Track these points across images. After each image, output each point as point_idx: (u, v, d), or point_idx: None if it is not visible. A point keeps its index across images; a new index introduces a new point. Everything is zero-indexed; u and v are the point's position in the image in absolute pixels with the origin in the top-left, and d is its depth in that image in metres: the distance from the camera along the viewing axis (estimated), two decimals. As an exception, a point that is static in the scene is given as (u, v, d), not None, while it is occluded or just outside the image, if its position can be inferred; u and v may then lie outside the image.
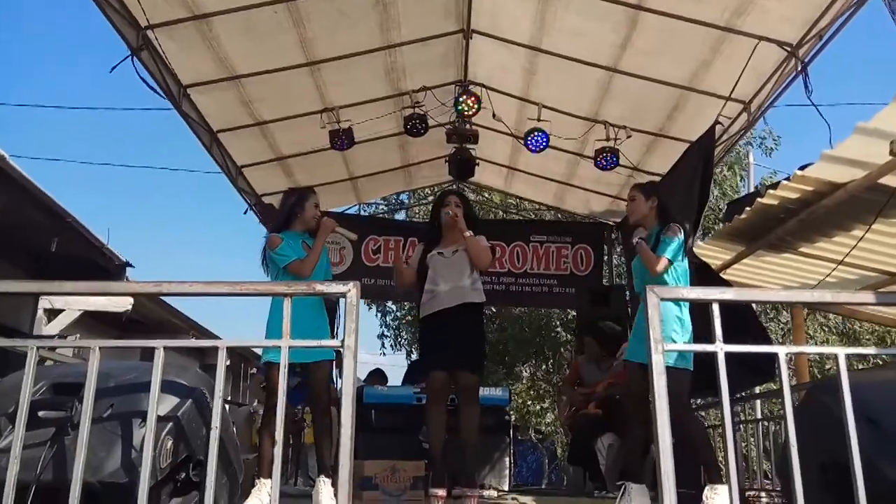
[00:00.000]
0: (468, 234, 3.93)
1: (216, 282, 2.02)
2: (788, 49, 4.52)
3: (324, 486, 3.51)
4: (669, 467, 1.80)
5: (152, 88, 4.70)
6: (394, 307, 14.44)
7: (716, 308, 1.97)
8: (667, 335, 3.20)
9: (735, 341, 1.95)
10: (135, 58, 4.55)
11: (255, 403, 6.00)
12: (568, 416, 5.97)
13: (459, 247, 3.96)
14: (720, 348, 1.93)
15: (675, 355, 3.26)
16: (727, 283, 5.40)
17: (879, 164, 3.70)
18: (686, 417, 3.44)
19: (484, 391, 5.03)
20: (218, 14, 4.59)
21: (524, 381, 14.75)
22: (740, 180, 12.81)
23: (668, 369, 1.95)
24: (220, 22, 4.66)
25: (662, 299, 1.99)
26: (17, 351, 2.20)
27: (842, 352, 1.97)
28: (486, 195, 9.72)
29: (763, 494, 5.29)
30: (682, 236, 3.56)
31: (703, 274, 4.98)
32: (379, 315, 14.52)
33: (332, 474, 3.45)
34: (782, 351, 2.00)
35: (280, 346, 1.95)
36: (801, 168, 4.24)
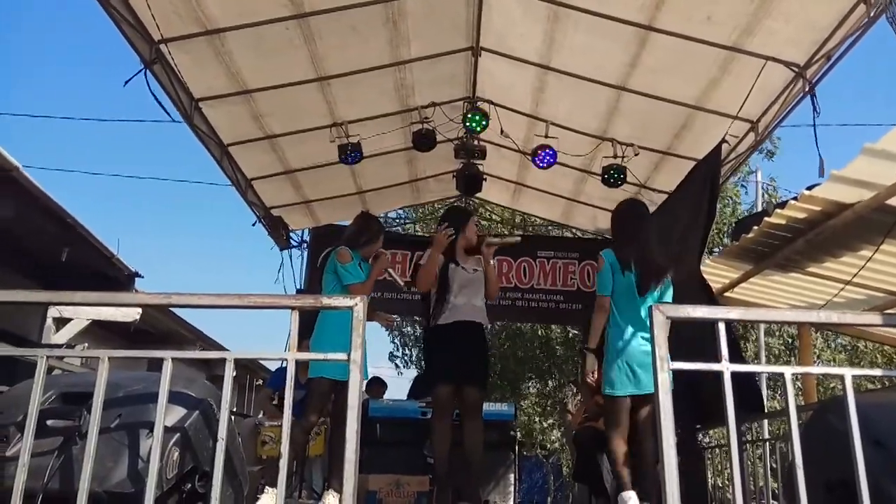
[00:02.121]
0: (493, 261, 4.09)
1: (224, 294, 2.04)
2: (796, 70, 4.54)
3: (332, 499, 3.52)
4: (675, 488, 1.80)
5: (161, 105, 4.74)
6: (406, 325, 14.50)
7: (721, 327, 1.98)
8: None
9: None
10: (148, 71, 4.60)
11: (260, 415, 5.99)
12: (580, 423, 5.93)
13: (478, 267, 4.04)
14: (726, 368, 1.93)
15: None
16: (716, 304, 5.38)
17: (887, 185, 3.70)
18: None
19: (489, 406, 5.02)
20: (231, 29, 4.65)
21: (531, 398, 14.71)
22: (744, 193, 12.88)
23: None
24: (233, 37, 4.72)
25: (668, 317, 1.99)
26: (27, 360, 2.22)
27: (848, 373, 1.97)
28: (491, 210, 9.74)
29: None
30: (605, 263, 3.58)
31: (704, 295, 4.96)
32: (389, 333, 14.58)
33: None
34: (788, 371, 2.00)
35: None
36: (809, 188, 4.24)
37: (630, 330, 3.50)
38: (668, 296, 3.62)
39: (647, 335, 3.40)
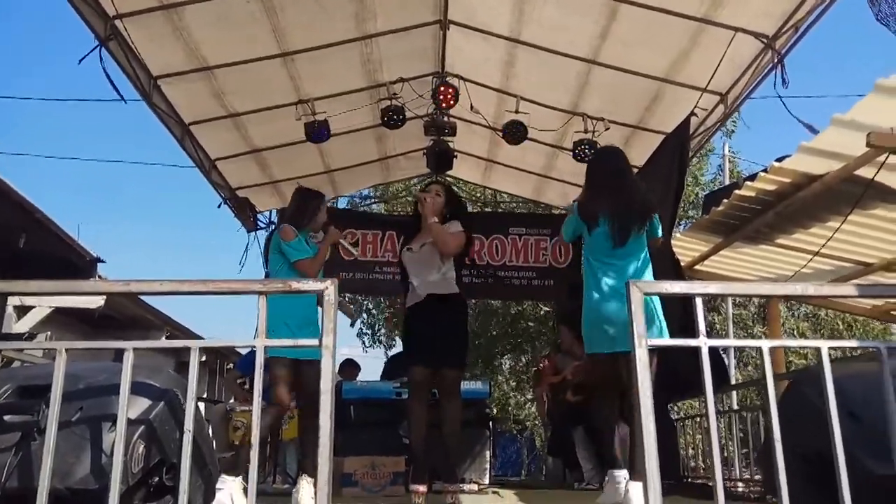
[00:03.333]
0: (432, 220, 3.86)
1: (187, 280, 1.95)
2: (765, 41, 4.54)
3: (306, 484, 3.47)
4: (654, 460, 1.78)
5: (113, 85, 4.52)
6: (371, 305, 14.45)
7: (699, 302, 1.95)
8: None
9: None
10: (103, 48, 4.42)
11: (231, 401, 5.90)
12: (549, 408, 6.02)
13: (427, 240, 3.93)
14: (704, 343, 1.91)
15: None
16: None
17: (856, 155, 3.72)
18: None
19: (464, 385, 5.02)
20: (188, 3, 4.48)
21: (505, 374, 14.83)
22: (717, 170, 13.00)
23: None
24: (191, 11, 4.54)
25: (646, 294, 1.96)
26: (-20, 353, 2.12)
27: (824, 345, 1.96)
28: (462, 187, 9.68)
29: (740, 484, 5.34)
30: (572, 214, 3.59)
31: (673, 271, 4.97)
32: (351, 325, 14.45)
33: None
34: (766, 345, 1.99)
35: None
36: (779, 160, 4.25)
37: (605, 286, 3.35)
38: (658, 233, 3.48)
39: (623, 291, 3.30)
